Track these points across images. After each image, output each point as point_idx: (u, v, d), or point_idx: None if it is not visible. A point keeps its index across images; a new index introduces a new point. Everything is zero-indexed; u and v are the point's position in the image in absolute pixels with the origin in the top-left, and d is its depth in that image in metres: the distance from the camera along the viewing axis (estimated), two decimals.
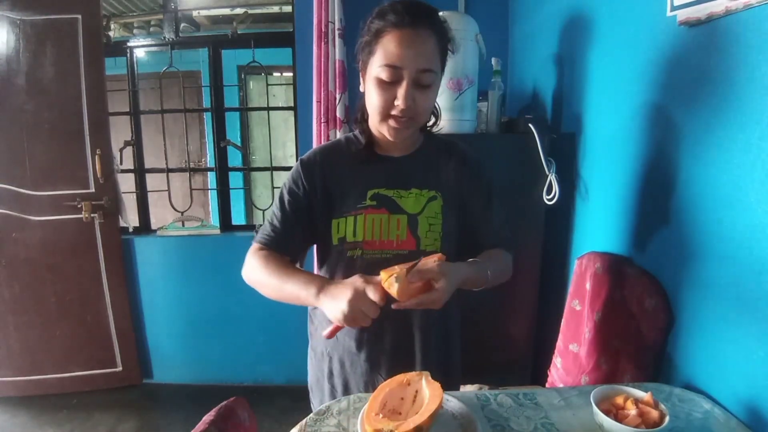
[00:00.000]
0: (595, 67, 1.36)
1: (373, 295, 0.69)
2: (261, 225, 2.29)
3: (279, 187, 2.45)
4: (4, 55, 2.00)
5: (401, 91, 0.78)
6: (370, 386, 0.91)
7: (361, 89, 0.88)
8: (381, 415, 0.66)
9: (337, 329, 0.76)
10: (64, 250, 2.16)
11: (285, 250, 0.89)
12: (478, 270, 0.83)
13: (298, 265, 0.98)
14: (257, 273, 0.85)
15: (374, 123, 0.86)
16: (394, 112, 0.80)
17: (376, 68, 0.79)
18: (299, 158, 0.93)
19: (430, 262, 0.74)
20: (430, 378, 0.73)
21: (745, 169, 0.79)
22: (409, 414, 0.69)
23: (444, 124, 1.52)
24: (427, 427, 0.64)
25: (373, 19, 0.81)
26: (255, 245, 0.90)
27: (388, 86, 0.79)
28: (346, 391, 0.94)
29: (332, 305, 0.71)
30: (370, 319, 0.70)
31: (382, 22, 0.79)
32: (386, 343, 0.91)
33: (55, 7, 1.99)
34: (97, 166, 2.09)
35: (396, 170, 0.91)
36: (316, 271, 0.99)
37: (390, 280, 0.68)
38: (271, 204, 2.45)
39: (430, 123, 0.96)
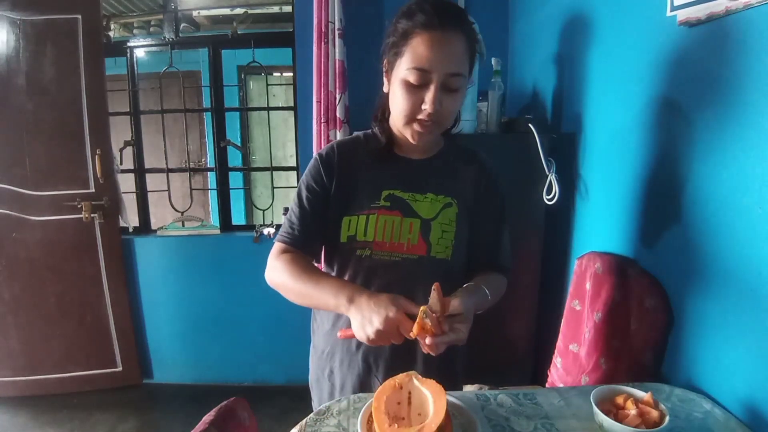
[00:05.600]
0: (595, 67, 1.36)
1: (405, 331, 0.68)
2: (261, 225, 2.31)
3: (279, 187, 2.47)
4: (4, 55, 2.00)
5: (429, 96, 0.76)
6: (366, 388, 0.90)
7: (385, 89, 0.86)
8: (397, 425, 0.65)
9: (352, 335, 0.74)
10: (64, 250, 2.16)
11: (306, 248, 0.88)
12: (482, 298, 0.82)
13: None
14: (282, 277, 0.83)
15: (398, 125, 0.85)
16: (420, 116, 0.79)
17: (403, 71, 0.77)
18: (317, 152, 0.92)
19: (434, 296, 0.73)
20: (420, 377, 0.71)
21: (745, 168, 0.79)
22: (412, 415, 0.68)
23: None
24: (444, 424, 0.63)
25: (400, 18, 0.79)
26: (277, 246, 0.88)
27: (415, 89, 0.77)
28: (344, 390, 0.93)
29: (360, 325, 0.70)
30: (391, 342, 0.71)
31: (410, 22, 0.76)
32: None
33: (55, 7, 1.99)
34: (97, 166, 2.09)
35: (413, 173, 0.89)
36: (322, 268, 0.98)
37: (420, 319, 0.68)
38: (272, 204, 2.47)
39: (449, 125, 0.94)
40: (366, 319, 0.69)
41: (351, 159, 0.90)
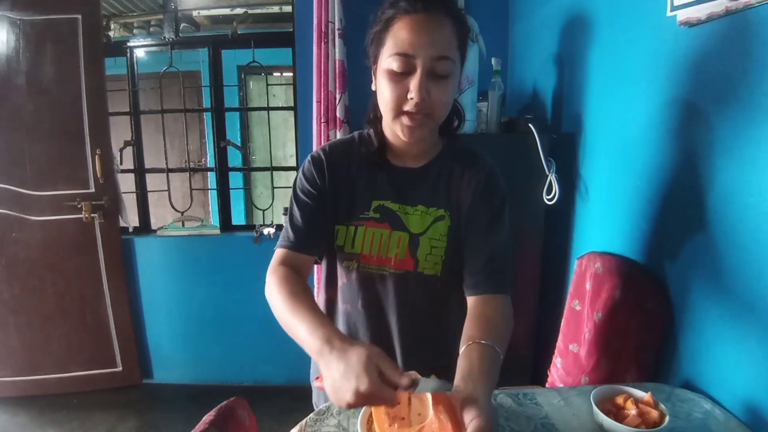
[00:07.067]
0: (595, 67, 1.36)
1: (380, 402, 0.57)
2: (261, 225, 2.31)
3: (279, 187, 2.46)
4: (4, 55, 2.00)
5: (414, 82, 0.70)
6: None
7: (373, 87, 0.80)
8: (396, 425, 0.65)
9: None
10: (64, 250, 2.15)
11: (307, 250, 0.82)
12: (495, 365, 0.66)
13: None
14: (271, 297, 0.76)
15: (387, 121, 0.79)
16: (407, 108, 0.72)
17: (386, 59, 0.72)
18: (309, 154, 0.87)
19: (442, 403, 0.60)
20: (419, 376, 0.71)
21: (744, 168, 0.79)
22: (412, 416, 0.68)
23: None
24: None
25: (384, 9, 0.74)
26: (276, 254, 0.82)
27: (400, 78, 0.71)
28: None
29: (331, 390, 0.58)
30: None
31: (392, 9, 0.72)
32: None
33: (55, 7, 1.99)
34: (97, 166, 2.09)
35: (405, 183, 0.84)
36: (316, 271, 0.96)
37: None
38: (272, 204, 2.47)
39: (453, 126, 0.87)
40: (337, 388, 0.57)
41: (342, 163, 0.85)
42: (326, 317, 0.70)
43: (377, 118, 0.85)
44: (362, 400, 0.55)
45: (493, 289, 0.79)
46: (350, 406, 0.57)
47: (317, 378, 0.64)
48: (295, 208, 0.84)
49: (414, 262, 0.82)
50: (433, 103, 0.72)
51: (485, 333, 0.69)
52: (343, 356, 0.58)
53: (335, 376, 0.57)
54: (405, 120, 0.74)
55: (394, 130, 0.78)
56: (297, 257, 0.81)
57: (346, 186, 0.85)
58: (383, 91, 0.74)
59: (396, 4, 0.72)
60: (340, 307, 0.89)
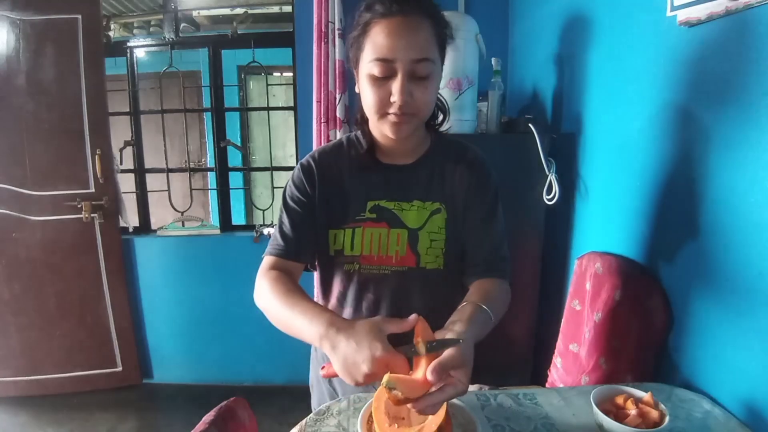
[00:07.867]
0: (595, 67, 1.36)
1: (395, 368, 0.58)
2: (261, 225, 2.31)
3: (279, 187, 2.46)
4: (4, 55, 2.00)
5: (396, 86, 0.71)
6: (363, 389, 0.87)
7: (357, 89, 0.81)
8: (397, 425, 0.64)
9: (336, 374, 0.63)
10: (64, 250, 2.16)
11: (297, 257, 0.83)
12: (484, 323, 0.70)
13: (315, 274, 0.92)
14: (264, 300, 0.76)
15: (373, 122, 0.80)
16: (391, 110, 0.73)
17: (366, 64, 0.72)
18: (299, 162, 0.88)
19: (423, 337, 0.62)
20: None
21: (745, 168, 0.79)
22: (411, 415, 0.68)
23: (445, 124, 1.53)
24: (444, 424, 0.63)
25: (361, 12, 0.74)
26: (265, 261, 0.83)
27: (381, 82, 0.72)
28: (341, 391, 0.92)
29: (344, 369, 0.59)
30: None
31: (369, 13, 0.73)
32: None
33: (55, 7, 1.99)
34: (97, 166, 2.09)
35: (398, 180, 0.85)
36: (316, 278, 0.96)
37: (387, 393, 0.55)
38: (272, 204, 2.47)
39: (438, 120, 0.89)
40: (350, 364, 0.59)
41: (333, 168, 0.86)
42: (325, 307, 0.72)
43: (364, 119, 0.85)
44: (377, 366, 0.57)
45: (494, 276, 0.82)
46: (365, 379, 0.58)
47: (323, 367, 0.65)
48: (285, 216, 0.85)
49: (416, 258, 0.82)
50: (416, 103, 0.73)
51: (479, 298, 0.73)
52: (351, 331, 0.61)
53: (346, 352, 0.59)
54: (391, 118, 0.75)
55: (381, 129, 0.79)
56: (286, 264, 0.82)
57: (339, 190, 0.85)
58: (366, 95, 0.75)
59: (372, 7, 0.72)
60: (340, 313, 0.88)
